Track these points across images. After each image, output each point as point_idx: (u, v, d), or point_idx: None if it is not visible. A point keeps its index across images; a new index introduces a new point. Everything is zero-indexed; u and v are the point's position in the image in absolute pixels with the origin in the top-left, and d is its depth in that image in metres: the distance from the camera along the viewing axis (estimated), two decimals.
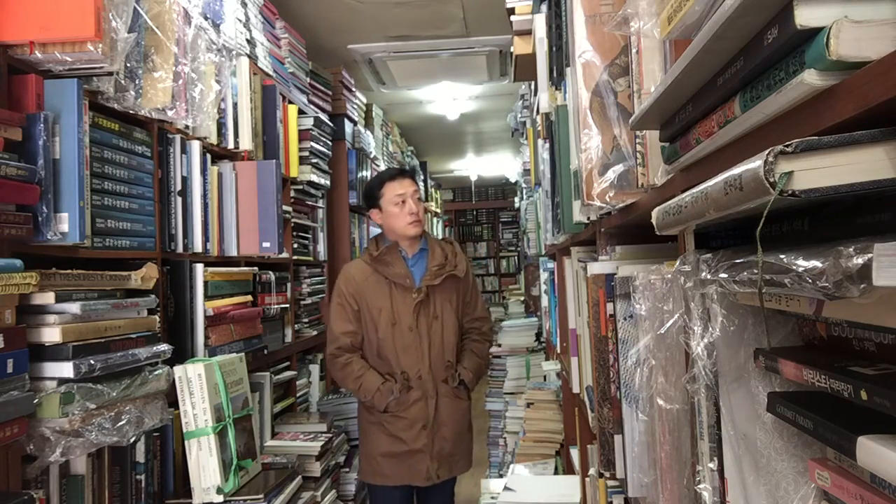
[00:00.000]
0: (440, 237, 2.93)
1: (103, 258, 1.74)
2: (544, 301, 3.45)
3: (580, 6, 1.28)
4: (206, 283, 2.16)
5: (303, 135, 3.30)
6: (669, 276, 0.82)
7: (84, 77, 1.63)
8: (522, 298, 6.85)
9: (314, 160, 3.41)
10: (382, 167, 5.07)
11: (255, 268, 2.63)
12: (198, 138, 2.24)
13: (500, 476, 3.75)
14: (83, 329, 1.56)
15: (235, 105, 2.57)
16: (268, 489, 2.04)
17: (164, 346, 1.83)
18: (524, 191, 5.06)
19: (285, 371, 3.06)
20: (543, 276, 3.36)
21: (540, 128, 2.53)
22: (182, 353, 2.04)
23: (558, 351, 2.77)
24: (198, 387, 1.94)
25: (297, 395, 3.20)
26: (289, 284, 3.05)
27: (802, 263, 0.47)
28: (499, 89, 5.31)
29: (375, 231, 3.44)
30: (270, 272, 2.75)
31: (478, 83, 5.15)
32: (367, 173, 4.48)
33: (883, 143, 0.46)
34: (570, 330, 1.99)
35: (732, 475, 0.69)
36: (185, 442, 1.94)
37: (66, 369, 1.48)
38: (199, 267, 2.15)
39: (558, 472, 3.26)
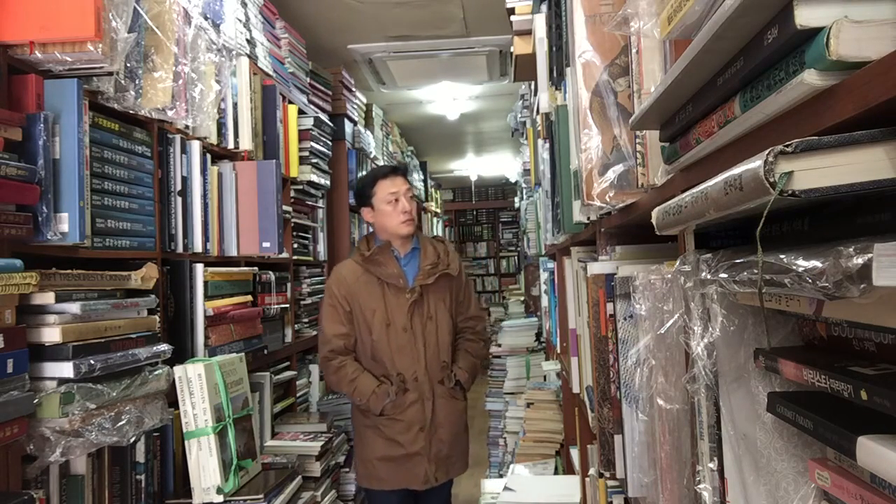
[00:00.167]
0: (431, 235, 2.91)
1: (103, 258, 1.74)
2: (544, 301, 3.45)
3: (580, 6, 1.28)
4: (206, 283, 2.16)
5: (303, 135, 3.30)
6: (669, 276, 0.82)
7: (84, 77, 1.63)
8: (522, 298, 6.85)
9: (314, 160, 3.41)
10: None
11: (255, 268, 2.63)
12: (198, 138, 2.24)
13: (500, 476, 3.76)
14: (83, 329, 1.56)
15: (235, 105, 2.57)
16: (268, 489, 2.04)
17: (164, 346, 1.83)
18: (524, 191, 5.05)
19: (285, 371, 3.06)
20: (543, 276, 3.36)
21: (540, 128, 2.53)
22: (182, 353, 2.04)
23: (558, 351, 2.77)
24: (198, 387, 1.94)
25: (297, 395, 3.20)
26: (289, 284, 3.05)
27: (802, 263, 0.47)
28: (499, 89, 5.31)
29: None
30: (270, 272, 2.75)
31: (478, 83, 5.15)
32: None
33: (883, 143, 0.46)
34: (570, 330, 1.99)
35: (732, 475, 0.69)
36: (185, 442, 1.94)
37: (66, 369, 1.48)
38: (199, 267, 2.15)
39: (558, 472, 3.26)
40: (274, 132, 2.87)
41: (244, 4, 2.76)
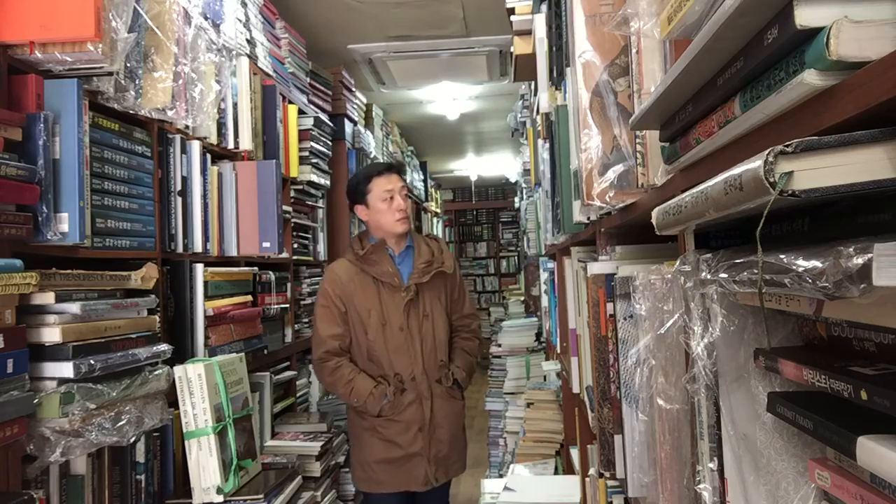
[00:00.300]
0: (425, 234, 2.87)
1: (103, 258, 1.74)
2: (544, 301, 3.45)
3: (580, 6, 1.28)
4: (206, 283, 2.16)
5: (303, 135, 3.30)
6: (669, 276, 0.82)
7: (84, 77, 1.63)
8: (522, 298, 6.85)
9: (314, 160, 3.41)
10: None
11: (255, 268, 2.63)
12: (198, 138, 2.24)
13: (500, 476, 3.75)
14: (83, 329, 1.56)
15: (235, 105, 2.57)
16: (268, 489, 2.04)
17: (164, 346, 1.83)
18: (524, 191, 5.06)
19: (285, 371, 3.06)
20: (543, 276, 3.36)
21: (540, 128, 2.53)
22: (182, 353, 2.04)
23: (558, 351, 2.77)
24: (198, 387, 1.94)
25: (297, 395, 3.20)
26: (289, 284, 3.05)
27: (802, 263, 0.47)
28: (499, 89, 5.31)
29: None
30: (270, 272, 2.75)
31: (478, 83, 5.15)
32: None
33: (883, 143, 0.46)
34: (570, 330, 1.99)
35: (732, 475, 0.69)
36: (185, 442, 1.94)
37: (66, 369, 1.48)
38: (199, 267, 2.15)
39: (558, 472, 3.26)
40: (274, 132, 2.87)
41: (244, 4, 2.76)
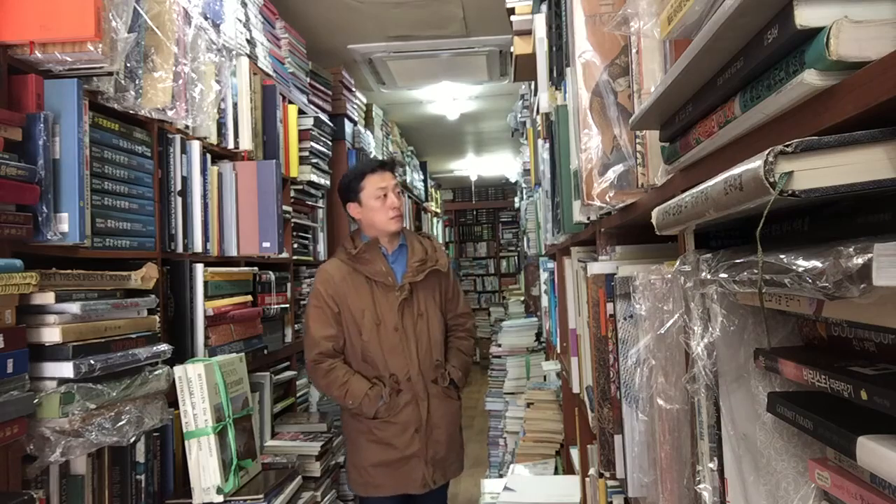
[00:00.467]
0: (418, 232, 2.82)
1: (103, 258, 1.74)
2: (544, 301, 3.45)
3: (580, 6, 1.28)
4: (206, 283, 2.16)
5: (303, 135, 3.30)
6: (669, 276, 0.82)
7: (84, 77, 1.63)
8: (522, 298, 6.85)
9: (314, 160, 3.41)
10: None
11: (255, 268, 2.63)
12: (198, 138, 2.24)
13: (500, 476, 3.75)
14: (83, 329, 1.56)
15: (235, 105, 2.57)
16: (268, 489, 2.04)
17: (164, 346, 1.83)
18: (524, 191, 5.06)
19: (285, 371, 3.06)
20: (543, 276, 3.36)
21: (540, 128, 2.53)
22: (182, 353, 2.04)
23: (558, 351, 2.77)
24: (198, 387, 1.94)
25: (297, 395, 3.20)
26: (289, 284, 3.05)
27: (802, 263, 0.47)
28: (499, 89, 5.31)
29: None
30: (270, 272, 2.75)
31: (478, 83, 5.15)
32: None
33: (883, 143, 0.46)
34: (570, 330, 1.99)
35: (732, 475, 0.69)
36: (185, 442, 1.94)
37: (66, 369, 1.48)
38: (199, 267, 2.15)
39: (558, 472, 3.26)
40: (274, 132, 2.87)
41: (244, 4, 2.77)
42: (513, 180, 9.20)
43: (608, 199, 1.20)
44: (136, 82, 1.81)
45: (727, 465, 0.69)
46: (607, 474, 1.38)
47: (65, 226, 1.54)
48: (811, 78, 0.48)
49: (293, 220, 3.20)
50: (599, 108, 1.23)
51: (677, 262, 0.78)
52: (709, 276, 0.67)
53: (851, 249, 0.42)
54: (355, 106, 4.40)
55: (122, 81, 1.76)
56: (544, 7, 2.00)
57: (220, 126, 2.44)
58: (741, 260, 0.61)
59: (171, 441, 1.99)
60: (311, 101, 3.63)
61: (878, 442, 0.46)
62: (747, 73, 0.58)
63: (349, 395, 2.35)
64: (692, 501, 0.78)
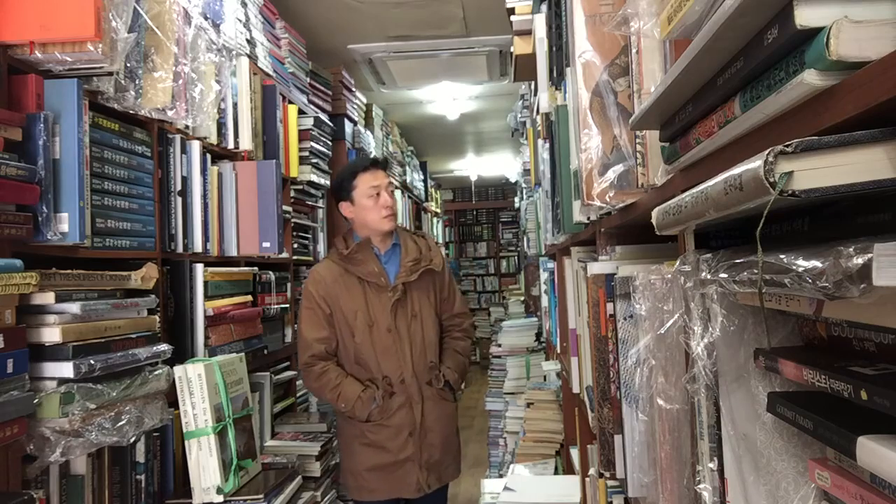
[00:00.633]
0: (412, 231, 2.78)
1: (103, 258, 1.74)
2: (544, 301, 3.45)
3: (580, 6, 1.28)
4: (206, 283, 2.16)
5: (303, 135, 3.30)
6: (669, 276, 0.82)
7: (84, 77, 1.63)
8: (522, 298, 6.85)
9: (314, 160, 3.41)
10: None
11: (255, 268, 2.63)
12: (198, 138, 2.24)
13: (500, 476, 3.75)
14: (83, 329, 1.56)
15: (235, 105, 2.57)
16: (268, 489, 2.04)
17: (164, 346, 1.83)
18: (524, 191, 5.06)
19: (285, 371, 3.06)
20: (543, 276, 3.36)
21: (540, 128, 2.53)
22: (182, 353, 2.04)
23: (558, 351, 2.77)
24: (198, 387, 1.94)
25: (297, 395, 3.20)
26: (289, 284, 3.05)
27: (802, 263, 0.47)
28: (499, 89, 5.31)
29: None
30: (270, 272, 2.75)
31: (478, 83, 5.15)
32: None
33: (883, 143, 0.46)
34: (570, 330, 1.99)
35: (732, 475, 0.69)
36: (185, 442, 1.94)
37: (66, 369, 1.48)
38: (199, 267, 2.15)
39: (558, 472, 3.26)
40: (274, 132, 2.87)
41: (244, 4, 2.77)
42: (513, 180, 9.21)
43: (608, 199, 1.20)
44: (136, 82, 1.81)
45: (727, 465, 0.69)
46: (607, 474, 1.38)
47: (65, 226, 1.54)
48: (811, 78, 0.48)
49: (293, 220, 3.20)
50: (599, 108, 1.23)
51: (677, 262, 0.78)
52: (709, 276, 0.67)
53: (851, 249, 0.42)
54: (355, 106, 4.41)
55: (122, 81, 1.76)
56: (544, 7, 2.00)
57: (220, 126, 2.44)
58: (741, 260, 0.61)
59: (171, 441, 1.99)
60: (311, 101, 3.63)
61: (878, 442, 0.46)
62: (747, 73, 0.58)
63: (341, 398, 2.32)
64: (692, 501, 0.78)
